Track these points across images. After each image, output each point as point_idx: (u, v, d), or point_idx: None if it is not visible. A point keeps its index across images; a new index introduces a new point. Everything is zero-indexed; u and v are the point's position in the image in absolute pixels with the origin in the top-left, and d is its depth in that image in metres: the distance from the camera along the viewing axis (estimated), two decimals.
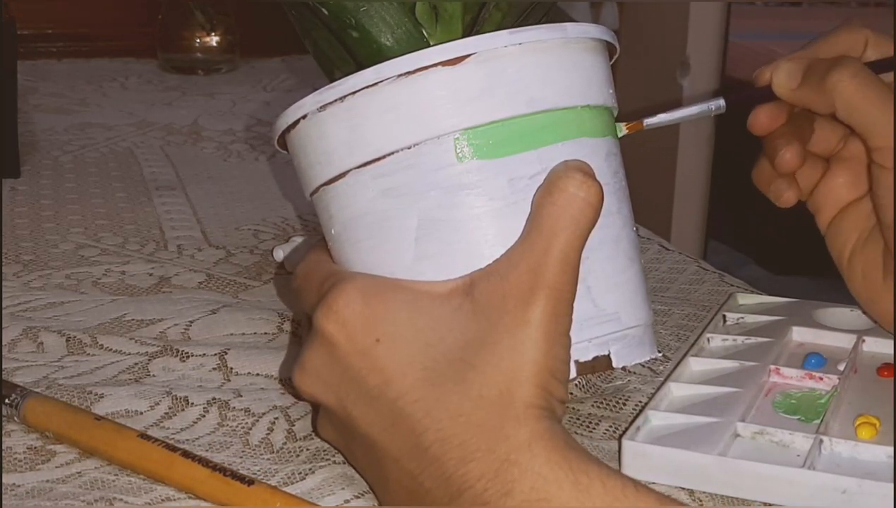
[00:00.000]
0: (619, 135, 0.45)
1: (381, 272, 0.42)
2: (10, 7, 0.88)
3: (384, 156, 0.41)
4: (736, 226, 2.44)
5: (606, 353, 0.42)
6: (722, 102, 0.49)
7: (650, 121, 0.47)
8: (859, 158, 0.52)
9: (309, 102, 0.42)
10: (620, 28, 2.06)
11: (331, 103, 0.42)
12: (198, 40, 1.32)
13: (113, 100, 1.19)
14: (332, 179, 0.43)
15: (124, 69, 1.35)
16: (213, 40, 1.33)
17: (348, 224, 0.43)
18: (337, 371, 0.40)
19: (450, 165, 0.41)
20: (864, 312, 0.54)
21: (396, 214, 0.41)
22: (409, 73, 0.40)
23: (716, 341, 0.54)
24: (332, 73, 0.52)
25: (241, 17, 1.35)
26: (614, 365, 0.43)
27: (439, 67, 0.40)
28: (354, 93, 0.41)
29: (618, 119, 0.46)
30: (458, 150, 0.41)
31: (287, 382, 0.51)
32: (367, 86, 0.41)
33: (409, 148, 0.41)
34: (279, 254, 0.68)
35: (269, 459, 0.45)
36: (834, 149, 0.53)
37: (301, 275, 0.46)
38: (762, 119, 0.51)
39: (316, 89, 0.42)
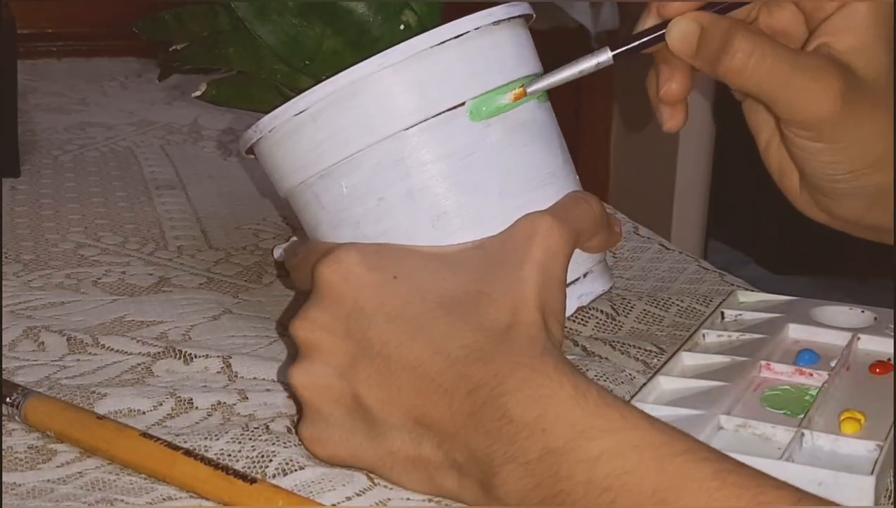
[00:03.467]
0: (504, 105, 0.46)
1: (537, 172, 0.47)
2: (10, 7, 0.88)
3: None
4: (736, 226, 2.44)
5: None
6: (609, 56, 0.47)
7: (533, 87, 0.47)
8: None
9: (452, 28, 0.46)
10: (620, 28, 2.06)
11: (464, 34, 0.45)
12: None
13: (113, 99, 1.19)
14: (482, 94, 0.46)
15: (124, 69, 1.35)
16: None
17: (510, 130, 0.47)
18: (343, 310, 0.43)
19: (543, 104, 0.49)
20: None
21: (551, 122, 0.49)
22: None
23: (711, 337, 0.54)
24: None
25: None
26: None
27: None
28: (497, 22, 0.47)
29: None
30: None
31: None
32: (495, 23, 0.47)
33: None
34: (279, 253, 0.68)
35: (266, 440, 0.45)
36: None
37: (302, 253, 0.48)
38: (675, 91, 0.49)
39: None
